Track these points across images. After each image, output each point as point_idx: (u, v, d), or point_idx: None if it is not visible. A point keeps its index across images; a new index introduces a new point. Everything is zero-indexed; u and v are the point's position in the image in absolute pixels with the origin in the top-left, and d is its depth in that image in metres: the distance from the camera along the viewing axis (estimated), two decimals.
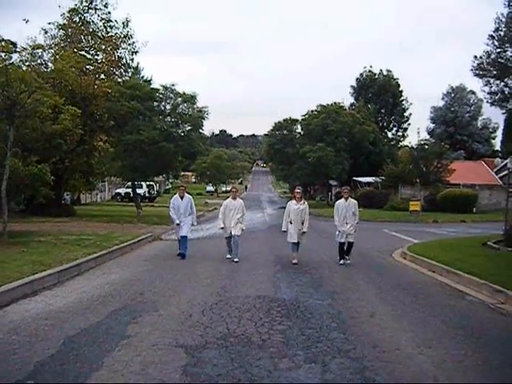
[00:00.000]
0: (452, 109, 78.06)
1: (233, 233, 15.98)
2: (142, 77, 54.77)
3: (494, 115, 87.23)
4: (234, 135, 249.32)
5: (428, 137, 77.36)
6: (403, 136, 79.30)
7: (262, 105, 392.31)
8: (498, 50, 14.37)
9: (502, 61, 14.37)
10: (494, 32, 14.41)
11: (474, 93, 77.02)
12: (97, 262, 14.32)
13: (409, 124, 78.93)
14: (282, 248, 18.76)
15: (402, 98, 77.16)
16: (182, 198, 16.91)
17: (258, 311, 9.19)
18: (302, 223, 15.71)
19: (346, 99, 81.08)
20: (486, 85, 16.52)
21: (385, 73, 76.08)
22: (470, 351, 7.25)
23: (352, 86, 78.69)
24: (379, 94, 74.97)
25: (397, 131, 79.28)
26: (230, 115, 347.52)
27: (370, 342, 7.54)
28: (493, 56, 14.51)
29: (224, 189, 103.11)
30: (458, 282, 13.07)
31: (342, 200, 16.35)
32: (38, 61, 28.24)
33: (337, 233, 16.13)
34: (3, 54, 16.71)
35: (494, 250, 18.39)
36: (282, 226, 16.11)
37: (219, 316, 8.77)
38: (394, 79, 75.91)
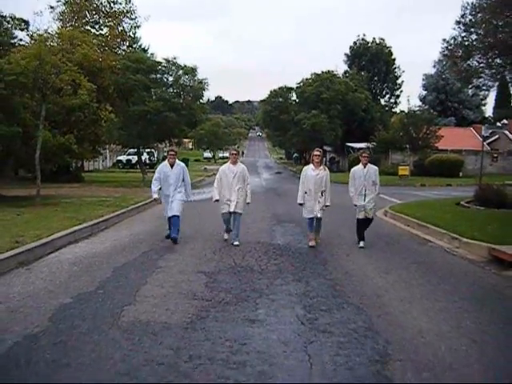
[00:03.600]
0: (443, 76, 79.78)
1: (232, 209, 12.86)
2: (140, 45, 56.44)
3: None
4: (230, 101, 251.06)
5: (420, 103, 79.69)
6: (396, 103, 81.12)
7: (257, 70, 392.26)
8: (463, 34, 16.57)
9: (467, 43, 16.59)
10: (460, 18, 16.56)
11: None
12: (119, 218, 16.76)
13: (401, 91, 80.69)
14: (277, 208, 21.22)
15: (395, 66, 78.86)
16: (171, 165, 13.24)
17: (257, 252, 11.64)
18: (322, 194, 12.84)
19: (340, 67, 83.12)
20: (453, 65, 18.79)
21: (378, 41, 77.79)
22: (417, 276, 9.71)
23: (346, 54, 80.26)
24: (372, 61, 76.64)
25: (389, 98, 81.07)
26: (226, 81, 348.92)
27: (343, 270, 10.01)
28: (459, 39, 16.73)
29: (221, 155, 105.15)
30: (426, 233, 15.44)
31: (359, 166, 13.37)
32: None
33: (356, 208, 13.39)
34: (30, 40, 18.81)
35: (464, 208, 20.86)
36: (298, 197, 13.11)
37: (227, 255, 11.24)
38: (387, 47, 77.57)
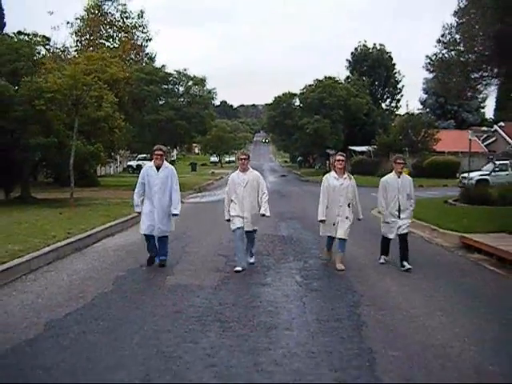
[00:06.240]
0: None
1: (246, 227, 10.65)
2: (147, 54, 59.00)
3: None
4: (235, 105, 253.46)
5: (421, 107, 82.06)
6: (396, 107, 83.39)
7: (261, 74, 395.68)
8: (444, 51, 18.91)
9: (447, 60, 18.91)
10: (441, 37, 18.89)
11: None
12: None
13: (402, 95, 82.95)
14: (281, 207, 23.49)
15: (395, 71, 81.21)
16: (158, 168, 10.79)
17: (265, 241, 13.96)
18: (348, 206, 10.81)
19: (341, 73, 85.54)
20: (433, 78, 21.18)
21: (378, 47, 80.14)
22: (395, 257, 11.93)
23: (347, 60, 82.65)
24: (373, 67, 78.85)
25: (390, 102, 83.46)
26: (230, 85, 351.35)
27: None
28: (439, 56, 19.07)
29: (227, 159, 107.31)
30: (411, 226, 17.76)
31: (393, 176, 11.25)
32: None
33: (382, 224, 11.55)
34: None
35: (450, 205, 23.22)
36: (318, 212, 11.05)
37: None
38: (387, 53, 79.96)
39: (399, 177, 11.10)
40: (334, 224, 10.81)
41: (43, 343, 6.17)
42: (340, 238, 10.82)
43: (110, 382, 5.13)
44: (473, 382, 5.30)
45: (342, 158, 11.00)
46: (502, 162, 36.40)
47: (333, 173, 11.04)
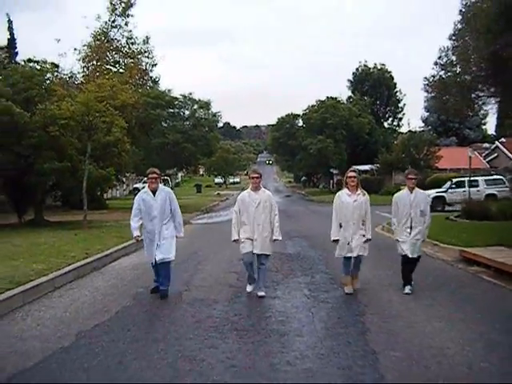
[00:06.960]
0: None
1: (258, 250, 10.12)
2: (151, 77, 59.90)
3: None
4: (238, 127, 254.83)
5: (423, 125, 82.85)
6: (398, 125, 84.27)
7: (263, 95, 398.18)
8: (441, 72, 19.74)
9: (444, 81, 19.72)
10: (437, 59, 19.72)
11: None
12: None
13: (403, 114, 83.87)
14: (287, 226, 24.09)
15: (396, 90, 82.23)
16: (154, 192, 10.26)
17: (273, 259, 14.39)
18: (363, 225, 10.51)
19: (343, 93, 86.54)
20: (432, 98, 22.06)
21: (379, 67, 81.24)
22: (398, 271, 12.58)
23: (349, 80, 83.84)
24: (374, 86, 79.93)
25: (392, 121, 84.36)
26: (233, 106, 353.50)
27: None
28: (437, 77, 19.90)
29: (232, 180, 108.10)
30: None
31: (405, 192, 10.80)
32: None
33: (396, 243, 11.01)
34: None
35: (451, 221, 23.84)
36: (332, 231, 10.72)
37: None
38: (388, 72, 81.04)
39: (411, 192, 10.56)
40: (348, 243, 10.40)
41: (78, 350, 6.84)
42: (358, 256, 10.52)
43: (142, 379, 5.79)
44: (466, 375, 5.94)
45: (354, 174, 10.55)
46: (459, 179, 37.50)
47: (345, 190, 10.59)
